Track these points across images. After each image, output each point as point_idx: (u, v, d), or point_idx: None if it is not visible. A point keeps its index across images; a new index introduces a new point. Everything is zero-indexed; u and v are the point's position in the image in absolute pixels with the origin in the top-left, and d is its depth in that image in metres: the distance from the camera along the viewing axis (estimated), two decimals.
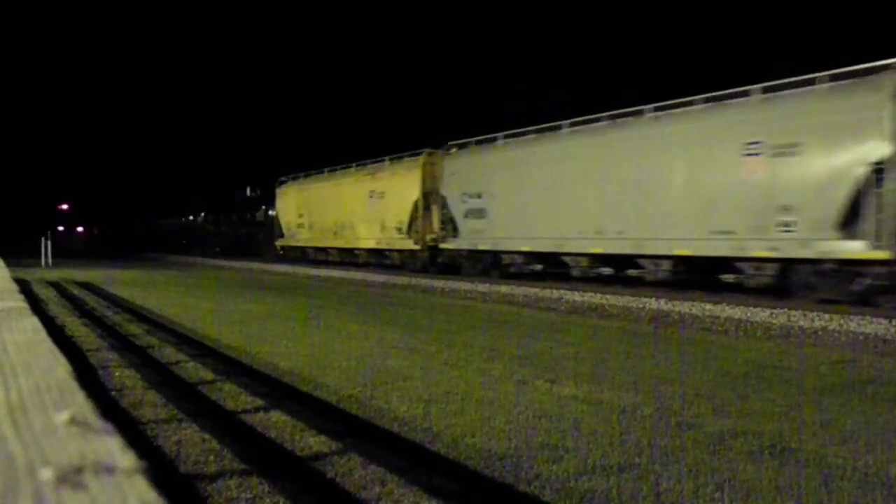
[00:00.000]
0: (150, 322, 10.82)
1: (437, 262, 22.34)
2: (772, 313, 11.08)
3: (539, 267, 18.38)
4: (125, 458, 0.84)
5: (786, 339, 9.60)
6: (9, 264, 11.99)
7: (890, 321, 9.74)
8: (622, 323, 11.48)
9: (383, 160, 25.48)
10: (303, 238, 31.05)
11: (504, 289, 16.26)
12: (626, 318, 12.13)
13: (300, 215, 31.25)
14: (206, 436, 4.68)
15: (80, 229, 79.26)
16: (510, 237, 18.85)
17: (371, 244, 25.28)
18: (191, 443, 4.54)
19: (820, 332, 9.85)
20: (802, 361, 7.79)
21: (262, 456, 4.35)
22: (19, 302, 3.36)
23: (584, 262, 16.87)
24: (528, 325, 10.93)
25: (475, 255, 20.44)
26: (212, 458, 4.25)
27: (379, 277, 21.16)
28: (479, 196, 19.88)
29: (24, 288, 13.07)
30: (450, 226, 21.31)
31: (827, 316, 10.46)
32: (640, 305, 12.91)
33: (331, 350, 8.20)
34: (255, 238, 39.23)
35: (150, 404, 5.52)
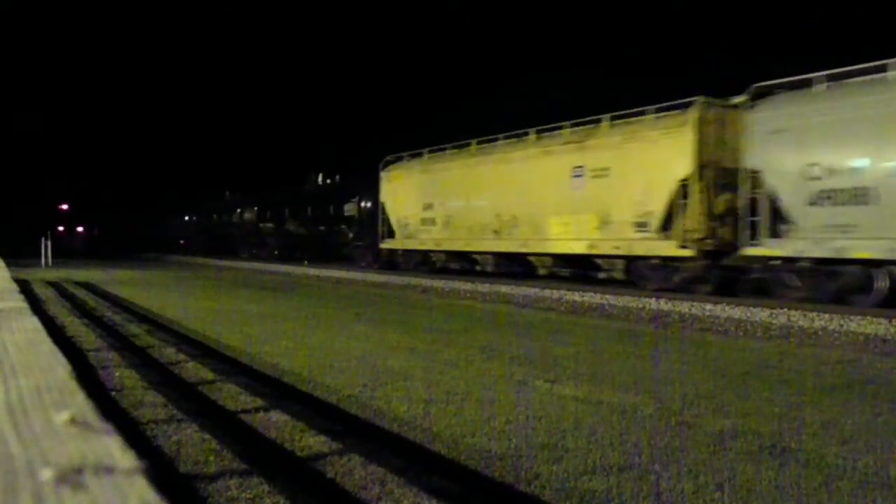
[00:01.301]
0: (150, 322, 10.82)
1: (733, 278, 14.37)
2: (772, 313, 11.08)
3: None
4: (125, 458, 0.84)
5: (786, 339, 9.60)
6: (9, 264, 12.00)
7: (890, 321, 9.74)
8: (622, 323, 11.48)
9: (600, 119, 17.00)
10: (431, 238, 22.42)
11: (504, 289, 16.26)
12: (626, 318, 12.13)
13: (426, 206, 22.37)
14: (206, 436, 4.68)
15: (80, 229, 79.27)
16: None
17: (577, 248, 17.07)
18: (191, 443, 4.53)
19: (820, 332, 9.85)
20: (802, 361, 7.79)
21: (262, 456, 4.35)
22: (19, 302, 3.36)
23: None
24: (527, 325, 10.92)
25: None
26: (212, 458, 4.25)
27: (379, 277, 21.15)
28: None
29: (24, 288, 13.07)
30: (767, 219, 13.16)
31: (827, 316, 10.46)
32: (640, 305, 12.91)
33: (331, 350, 8.20)
34: (340, 238, 30.30)
35: (150, 404, 5.52)
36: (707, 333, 10.22)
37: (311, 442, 4.60)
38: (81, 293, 16.42)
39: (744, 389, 6.23)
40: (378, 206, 25.12)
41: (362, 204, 28.07)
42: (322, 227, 31.63)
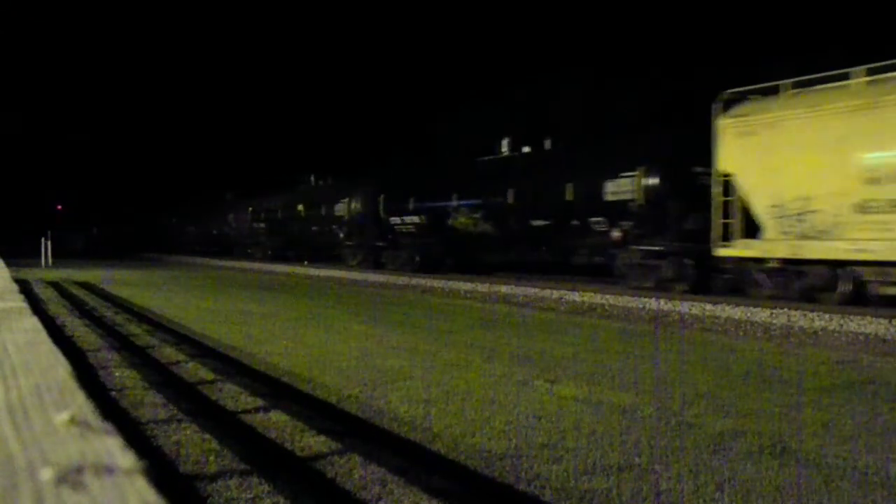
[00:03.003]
0: (150, 322, 10.82)
1: None
2: (772, 313, 11.08)
3: None
4: (125, 458, 0.84)
5: (786, 339, 9.60)
6: (9, 264, 11.99)
7: (890, 321, 9.74)
8: (622, 323, 11.48)
9: None
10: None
11: (504, 289, 16.26)
12: (626, 318, 12.13)
13: (870, 178, 11.26)
14: (206, 436, 4.68)
15: (79, 229, 79.23)
16: None
17: None
18: (191, 443, 4.54)
19: (820, 332, 9.85)
20: (802, 361, 7.79)
21: (262, 456, 4.35)
22: (19, 302, 3.36)
23: None
24: (527, 326, 10.93)
25: None
26: (212, 458, 4.25)
27: (379, 277, 21.15)
28: None
29: (24, 288, 13.07)
30: None
31: (827, 316, 10.46)
32: (640, 305, 12.91)
33: (331, 350, 8.20)
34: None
35: (150, 404, 5.52)
36: (707, 333, 10.22)
37: (311, 442, 4.60)
38: (81, 293, 16.42)
39: (744, 389, 6.24)
40: (663, 185, 15.17)
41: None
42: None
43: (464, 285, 17.57)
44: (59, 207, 63.45)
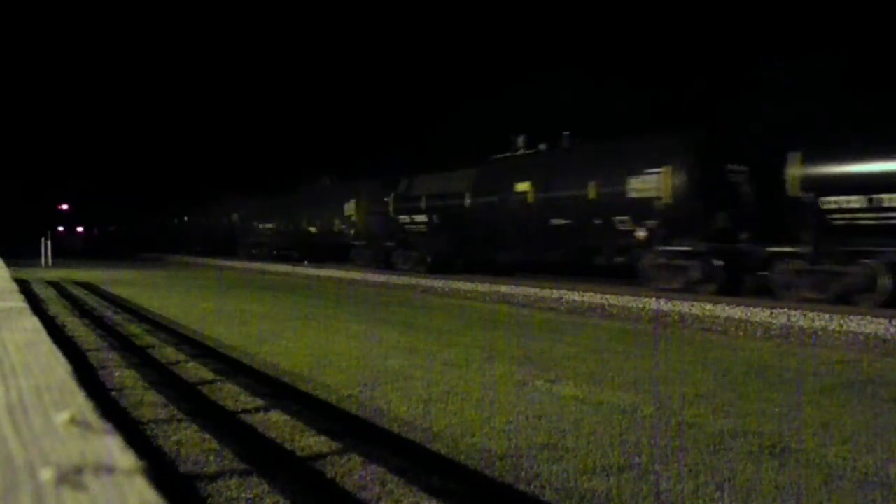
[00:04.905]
0: (150, 322, 10.82)
1: None
2: (772, 313, 11.08)
3: None
4: (125, 458, 0.84)
5: (786, 339, 9.60)
6: (9, 264, 11.99)
7: (890, 321, 9.73)
8: (622, 323, 11.48)
9: None
10: None
11: (504, 289, 16.26)
12: (626, 318, 12.13)
13: None
14: (206, 436, 4.68)
15: (79, 229, 79.31)
16: None
17: None
18: (191, 443, 4.54)
19: (820, 332, 9.85)
20: (802, 361, 7.79)
21: (262, 456, 4.35)
22: (19, 302, 3.36)
23: None
24: (527, 326, 10.93)
25: None
26: (212, 458, 4.25)
27: (379, 277, 21.15)
28: None
29: (24, 288, 13.07)
30: None
31: (827, 316, 10.45)
32: (640, 305, 12.91)
33: (331, 350, 8.20)
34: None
35: (150, 404, 5.52)
36: (707, 333, 10.22)
37: (311, 442, 4.60)
38: (81, 293, 16.42)
39: (744, 389, 6.23)
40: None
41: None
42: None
43: (464, 285, 17.57)
44: (66, 208, 63.42)
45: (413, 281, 19.44)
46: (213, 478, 3.91)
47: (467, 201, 20.55)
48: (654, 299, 13.13)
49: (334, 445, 4.51)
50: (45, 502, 0.73)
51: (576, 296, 14.49)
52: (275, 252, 33.73)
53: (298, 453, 4.40)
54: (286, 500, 3.61)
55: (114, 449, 0.88)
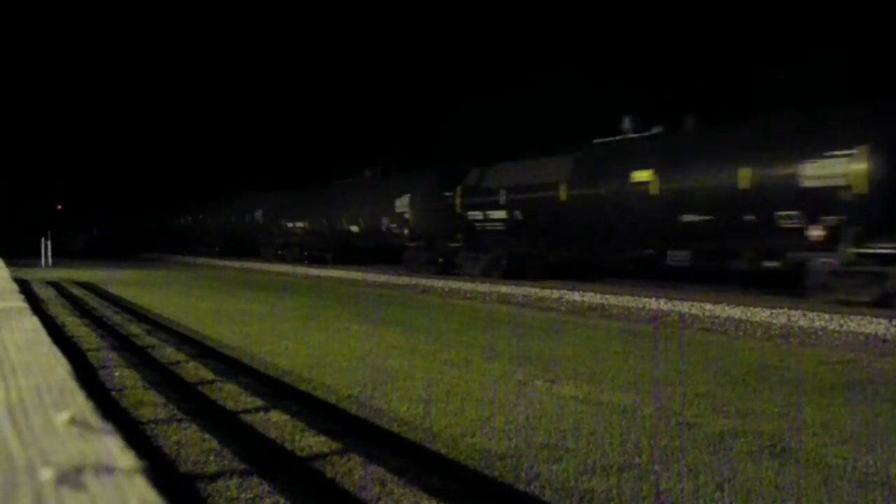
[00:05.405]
0: (150, 322, 10.82)
1: None
2: (772, 313, 11.08)
3: None
4: (125, 458, 0.84)
5: (786, 339, 9.60)
6: (9, 264, 11.99)
7: (890, 321, 9.73)
8: (622, 323, 11.48)
9: None
10: None
11: (504, 289, 16.26)
12: (626, 318, 12.13)
13: None
14: (206, 436, 4.68)
15: (79, 229, 79.25)
16: None
17: None
18: (191, 443, 4.54)
19: (820, 332, 9.85)
20: (802, 361, 7.79)
21: (262, 456, 4.35)
22: (19, 302, 3.36)
23: None
24: (527, 326, 10.92)
25: None
26: (212, 457, 4.25)
27: (379, 277, 21.15)
28: None
29: (24, 288, 13.07)
30: None
31: (827, 316, 10.46)
32: (640, 305, 12.91)
33: (331, 350, 8.20)
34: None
35: (150, 404, 5.52)
36: (707, 333, 10.22)
37: (311, 442, 4.61)
38: (81, 293, 16.43)
39: (744, 389, 6.24)
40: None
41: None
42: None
43: (464, 285, 17.57)
44: (59, 207, 63.42)
45: (413, 281, 19.43)
46: (213, 478, 3.91)
47: (563, 194, 17.07)
48: (653, 299, 13.13)
49: (334, 445, 4.51)
50: (45, 502, 0.73)
51: (576, 296, 14.49)
52: (306, 253, 30.53)
53: (298, 453, 4.40)
54: (286, 500, 3.61)
55: (114, 449, 0.88)
